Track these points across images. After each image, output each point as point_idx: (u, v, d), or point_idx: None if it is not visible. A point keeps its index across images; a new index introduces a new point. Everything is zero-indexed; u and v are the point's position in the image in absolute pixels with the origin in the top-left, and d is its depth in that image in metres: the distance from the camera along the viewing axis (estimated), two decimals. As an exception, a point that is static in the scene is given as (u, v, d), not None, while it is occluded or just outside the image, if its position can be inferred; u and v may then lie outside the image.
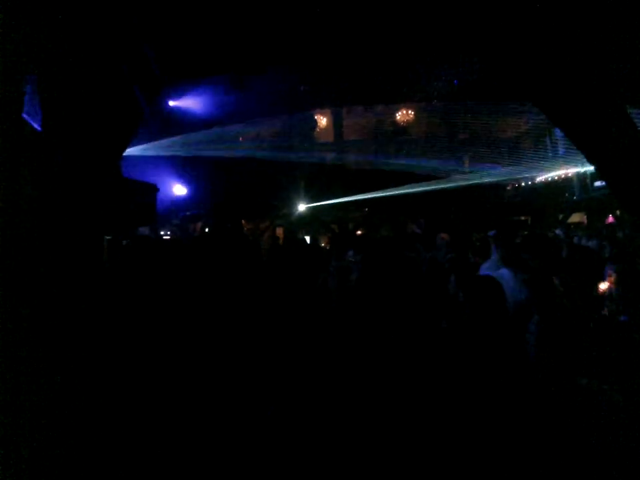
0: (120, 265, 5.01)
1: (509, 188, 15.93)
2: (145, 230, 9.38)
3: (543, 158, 13.64)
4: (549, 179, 14.77)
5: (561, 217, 14.75)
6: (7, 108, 2.37)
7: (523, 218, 16.17)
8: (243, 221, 13.46)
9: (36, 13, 2.65)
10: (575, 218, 14.92)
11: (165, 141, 12.92)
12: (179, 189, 14.19)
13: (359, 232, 14.87)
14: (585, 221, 14.60)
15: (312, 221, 15.89)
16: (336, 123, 16.70)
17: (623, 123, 2.65)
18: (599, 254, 6.01)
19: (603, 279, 4.64)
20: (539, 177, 14.93)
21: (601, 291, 4.27)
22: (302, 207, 15.80)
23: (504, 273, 4.25)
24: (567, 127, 3.04)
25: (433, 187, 14.29)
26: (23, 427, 2.42)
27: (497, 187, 15.22)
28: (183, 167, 13.99)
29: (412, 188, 14.29)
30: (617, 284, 3.62)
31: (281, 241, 13.65)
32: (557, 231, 10.29)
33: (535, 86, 3.02)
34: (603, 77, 2.78)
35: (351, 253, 5.82)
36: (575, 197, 14.17)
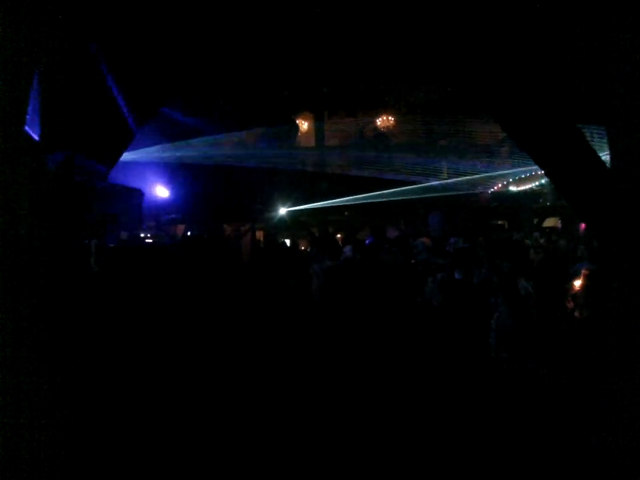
0: (107, 267, 5.08)
1: (488, 192, 16.24)
2: (124, 234, 9.33)
3: (518, 164, 13.99)
4: (524, 184, 15.17)
5: (535, 221, 15.14)
6: (7, 115, 2.44)
7: (499, 222, 16.53)
8: (224, 225, 13.50)
9: (39, 19, 2.72)
10: (550, 222, 15.29)
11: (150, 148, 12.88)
12: (161, 192, 14.15)
13: (338, 235, 15.03)
14: (559, 225, 14.97)
15: (292, 224, 15.99)
16: (317, 127, 16.84)
17: (575, 138, 2.84)
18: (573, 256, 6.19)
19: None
20: (515, 183, 15.32)
21: (574, 289, 4.45)
22: (282, 211, 15.89)
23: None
24: (521, 142, 3.22)
25: (412, 192, 14.52)
26: (22, 427, 2.45)
27: (474, 192, 15.52)
28: (166, 171, 13.95)
29: (391, 192, 14.50)
30: (584, 281, 3.80)
31: (261, 244, 13.75)
32: (535, 234, 10.56)
33: (489, 101, 3.18)
34: (556, 94, 2.97)
35: (348, 249, 5.99)
36: (548, 203, 14.56)
